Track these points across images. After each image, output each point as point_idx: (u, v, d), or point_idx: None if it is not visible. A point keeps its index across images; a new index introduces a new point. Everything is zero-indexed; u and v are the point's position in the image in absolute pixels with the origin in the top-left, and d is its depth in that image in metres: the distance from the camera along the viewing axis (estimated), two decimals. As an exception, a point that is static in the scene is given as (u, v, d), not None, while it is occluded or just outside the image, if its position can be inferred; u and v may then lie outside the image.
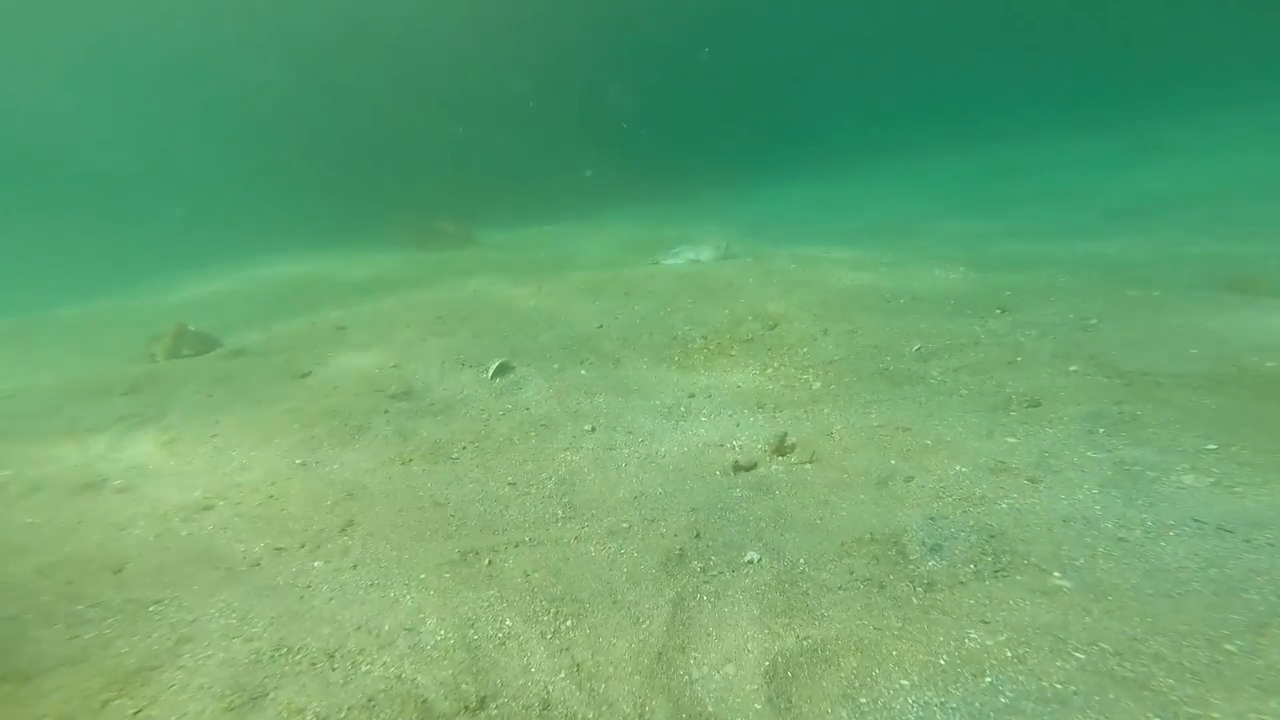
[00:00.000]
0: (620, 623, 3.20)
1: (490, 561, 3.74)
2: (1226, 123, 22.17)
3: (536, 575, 3.59)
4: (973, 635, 2.86)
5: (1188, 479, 3.81)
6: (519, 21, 34.89)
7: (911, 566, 3.39)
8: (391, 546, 3.93)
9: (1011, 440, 4.48)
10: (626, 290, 9.50)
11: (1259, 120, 21.33)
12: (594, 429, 5.40)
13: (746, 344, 7.02)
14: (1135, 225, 12.11)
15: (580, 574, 3.59)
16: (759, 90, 46.93)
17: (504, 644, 3.09)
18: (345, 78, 33.96)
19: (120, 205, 31.22)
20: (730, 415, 5.48)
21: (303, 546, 3.99)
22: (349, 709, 2.73)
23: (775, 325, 7.45)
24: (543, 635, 3.13)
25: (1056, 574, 3.18)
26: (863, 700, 2.65)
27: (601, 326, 7.90)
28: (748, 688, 2.76)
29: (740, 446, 4.94)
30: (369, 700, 2.77)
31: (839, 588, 3.30)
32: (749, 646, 2.97)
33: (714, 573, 3.53)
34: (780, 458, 4.73)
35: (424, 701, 2.77)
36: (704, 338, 7.30)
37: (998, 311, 7.08)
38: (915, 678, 2.71)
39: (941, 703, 2.58)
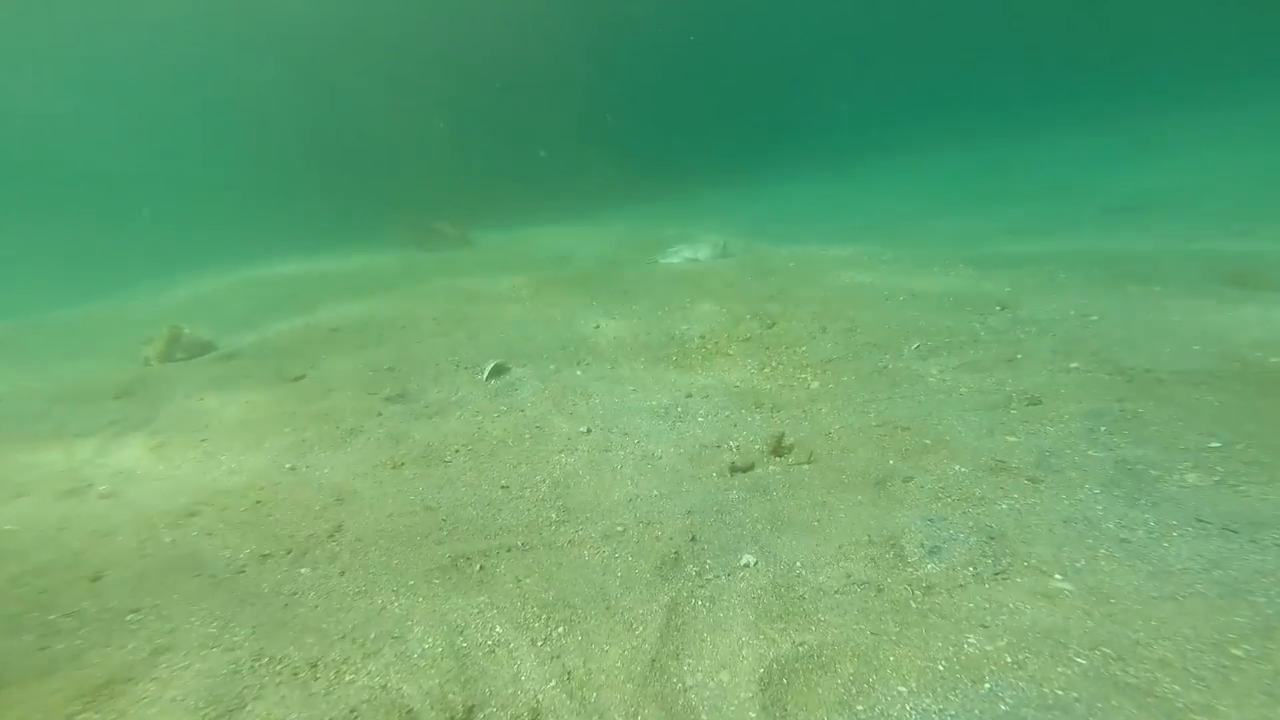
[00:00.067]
0: (613, 629, 3.13)
1: (481, 567, 3.68)
2: (1226, 119, 22.11)
3: (528, 580, 3.53)
4: (972, 640, 2.79)
5: (1191, 478, 3.74)
6: (516, 21, 34.81)
7: (910, 569, 3.32)
8: (381, 552, 3.86)
9: (1011, 439, 4.41)
10: (624, 290, 9.46)
11: (1258, 117, 21.26)
12: (589, 430, 5.33)
13: (744, 343, 6.96)
14: (1135, 221, 12.03)
15: (573, 579, 3.53)
16: (758, 89, 46.85)
17: (493, 652, 3.03)
18: (343, 78, 33.91)
19: (120, 206, 31.11)
20: (727, 415, 5.41)
21: (289, 553, 3.92)
22: (331, 721, 2.67)
23: (773, 324, 7.39)
24: (533, 642, 3.06)
25: (1057, 576, 3.11)
26: (859, 708, 2.58)
27: (599, 327, 7.84)
28: (742, 695, 2.70)
29: (737, 447, 4.88)
30: (351, 711, 2.71)
31: (836, 591, 3.23)
32: (744, 653, 2.90)
33: (709, 577, 3.46)
34: (778, 458, 4.66)
35: (409, 712, 2.71)
36: (701, 337, 7.24)
37: (997, 308, 7.01)
38: (913, 684, 2.64)
39: (940, 710, 2.51)
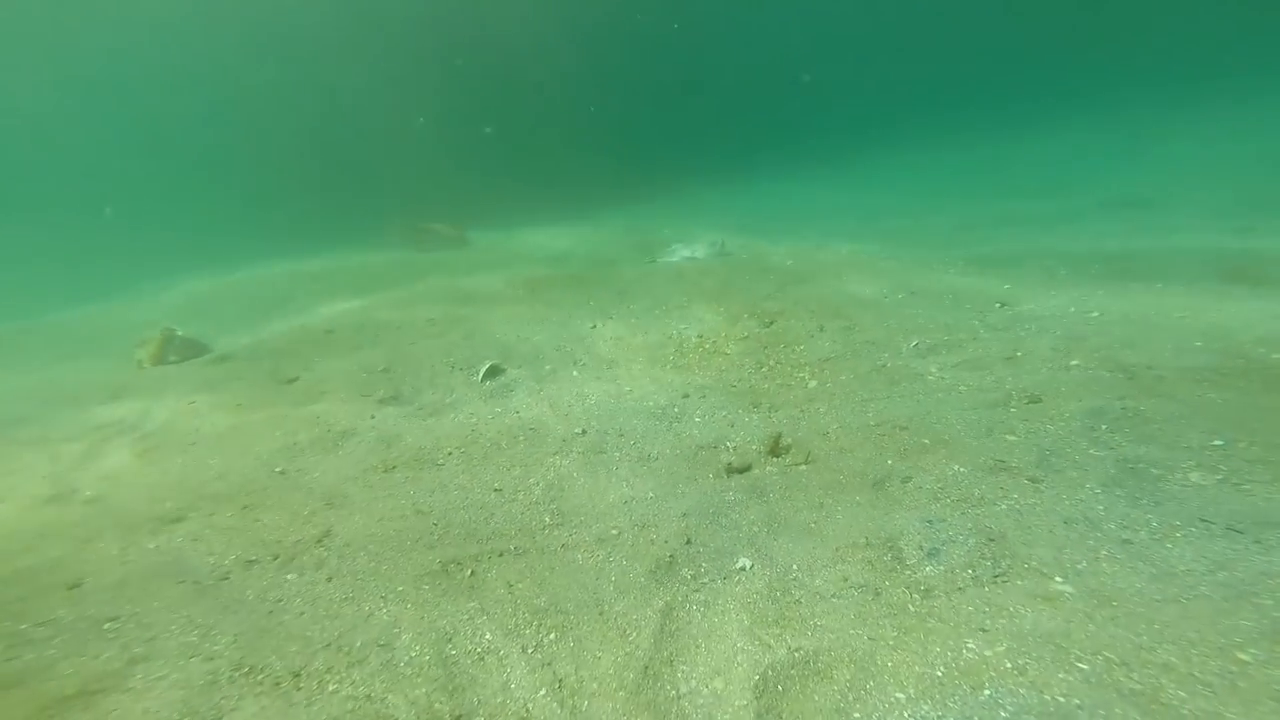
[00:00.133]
0: (606, 635, 3.07)
1: (472, 572, 3.61)
2: (1226, 115, 22.04)
3: (520, 586, 3.47)
4: (971, 645, 2.73)
5: (1194, 476, 3.67)
6: (514, 20, 34.75)
7: (908, 572, 3.26)
8: (369, 557, 3.80)
9: (1011, 438, 4.35)
10: (621, 289, 9.41)
11: (1258, 114, 21.17)
12: (585, 432, 5.27)
13: (742, 342, 6.90)
14: (1136, 217, 11.97)
15: (566, 584, 3.47)
16: (757, 88, 46.78)
17: (483, 659, 2.96)
18: (338, 77, 33.86)
19: (119, 208, 31.06)
20: (725, 415, 5.35)
21: (276, 558, 3.86)
22: (312, 732, 2.61)
23: (771, 322, 7.33)
24: (524, 649, 3.00)
25: (1058, 578, 3.04)
26: (856, 715, 2.52)
27: (595, 327, 7.79)
28: (736, 703, 2.63)
29: (734, 448, 4.81)
30: (335, 722, 2.65)
31: (833, 595, 3.17)
32: (739, 659, 2.84)
33: (704, 580, 3.40)
34: (775, 459, 4.59)
35: (395, 722, 2.65)
36: (699, 336, 7.19)
37: (997, 305, 6.95)
38: (911, 690, 2.58)
39: (939, 717, 2.45)
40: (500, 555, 3.75)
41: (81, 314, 13.45)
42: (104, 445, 5.71)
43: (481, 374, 6.43)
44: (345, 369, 7.01)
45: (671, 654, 2.92)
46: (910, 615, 2.96)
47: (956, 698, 2.51)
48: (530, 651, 2.99)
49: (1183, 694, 2.38)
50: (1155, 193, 13.75)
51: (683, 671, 2.82)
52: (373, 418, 5.73)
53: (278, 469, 4.99)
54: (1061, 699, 2.43)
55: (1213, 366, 4.94)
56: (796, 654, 2.82)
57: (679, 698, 2.70)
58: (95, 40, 39.10)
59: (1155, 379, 4.87)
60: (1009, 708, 2.43)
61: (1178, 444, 3.99)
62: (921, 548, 3.40)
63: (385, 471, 4.85)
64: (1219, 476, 3.63)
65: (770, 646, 2.88)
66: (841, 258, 10.04)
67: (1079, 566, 3.10)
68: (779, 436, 4.74)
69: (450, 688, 2.80)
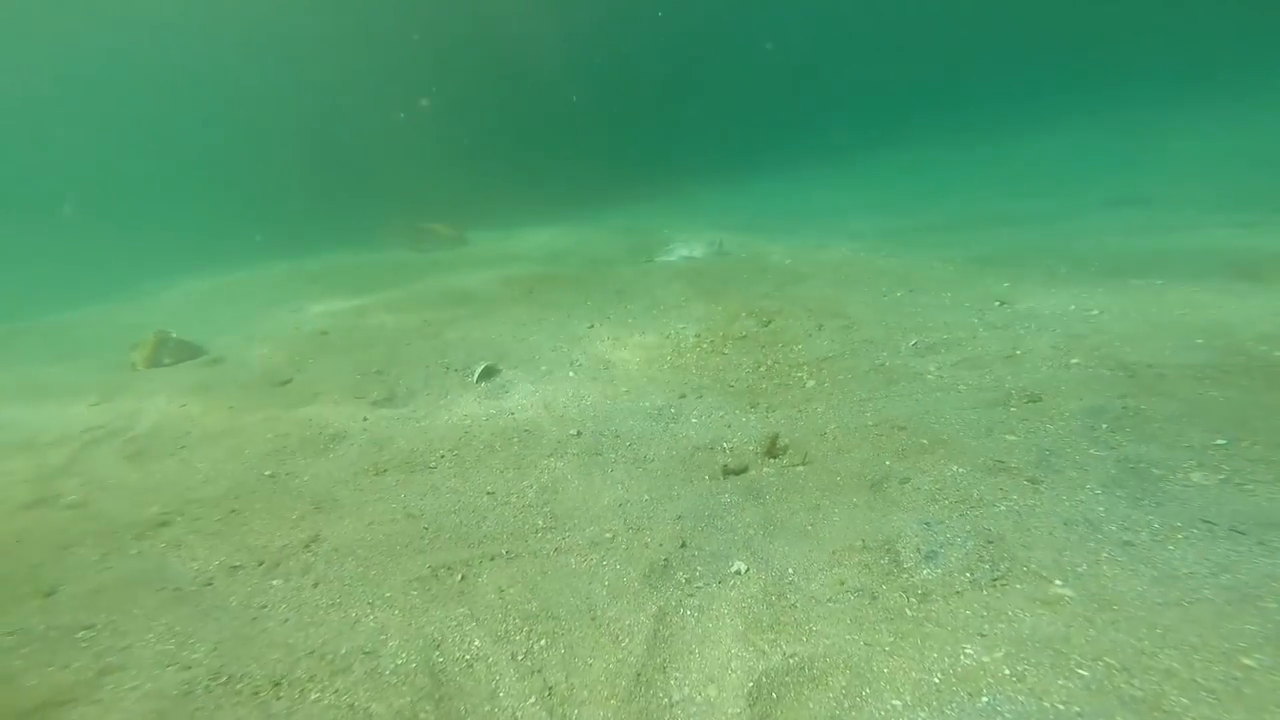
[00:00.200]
0: (598, 641, 3.01)
1: (463, 577, 3.55)
2: (1226, 113, 21.95)
3: (511, 591, 3.41)
4: (969, 650, 2.67)
5: (1196, 476, 3.61)
6: (511, 20, 34.72)
7: (905, 575, 3.20)
8: (358, 562, 3.74)
9: (1011, 438, 4.29)
10: (619, 289, 9.36)
11: (1259, 111, 21.10)
12: (580, 433, 5.21)
13: (740, 341, 6.85)
14: (1136, 215, 11.89)
15: (558, 588, 3.41)
16: (757, 87, 46.71)
17: (471, 667, 2.91)
18: (340, 79, 33.84)
19: (119, 209, 31.02)
20: (722, 416, 5.29)
21: (261, 564, 3.80)
22: (290, 744, 2.55)
23: (769, 321, 7.28)
24: (513, 656, 2.94)
25: (1058, 582, 2.98)
26: (852, 724, 2.46)
27: (592, 327, 7.74)
28: (730, 711, 2.58)
29: (731, 449, 4.76)
30: (316, 733, 2.59)
31: (828, 600, 3.11)
32: (732, 665, 2.79)
33: (699, 584, 3.35)
34: (772, 460, 4.54)
35: (379, 732, 2.59)
36: (696, 336, 7.13)
37: (996, 303, 6.90)
38: (908, 697, 2.52)
39: (936, 726, 2.39)
40: (492, 559, 3.69)
41: (80, 315, 13.36)
42: (91, 449, 5.64)
43: (476, 375, 6.37)
44: (339, 370, 6.95)
45: (665, 660, 2.86)
46: (907, 620, 2.90)
47: (954, 705, 2.45)
48: (520, 658, 2.93)
49: (1185, 701, 2.32)
50: (1155, 190, 13.67)
51: (676, 678, 2.77)
52: (365, 420, 5.67)
53: (267, 472, 4.94)
54: (1061, 706, 2.37)
55: (1215, 364, 4.88)
56: (791, 660, 2.76)
57: (671, 705, 2.64)
58: (96, 41, 39.12)
59: (1156, 377, 4.81)
60: (1007, 716, 2.38)
61: (1179, 443, 3.93)
62: (919, 550, 3.35)
63: (376, 474, 4.79)
64: (1221, 476, 3.57)
65: (765, 653, 2.83)
66: (840, 256, 9.98)
67: (1079, 569, 3.04)
68: (776, 437, 4.68)
69: (436, 696, 2.74)
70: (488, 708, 2.68)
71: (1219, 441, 3.88)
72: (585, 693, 2.73)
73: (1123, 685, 2.42)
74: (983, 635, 2.74)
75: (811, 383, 5.73)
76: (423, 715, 2.65)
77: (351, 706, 2.71)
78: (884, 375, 5.62)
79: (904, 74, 47.67)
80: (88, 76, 40.90)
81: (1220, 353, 5.07)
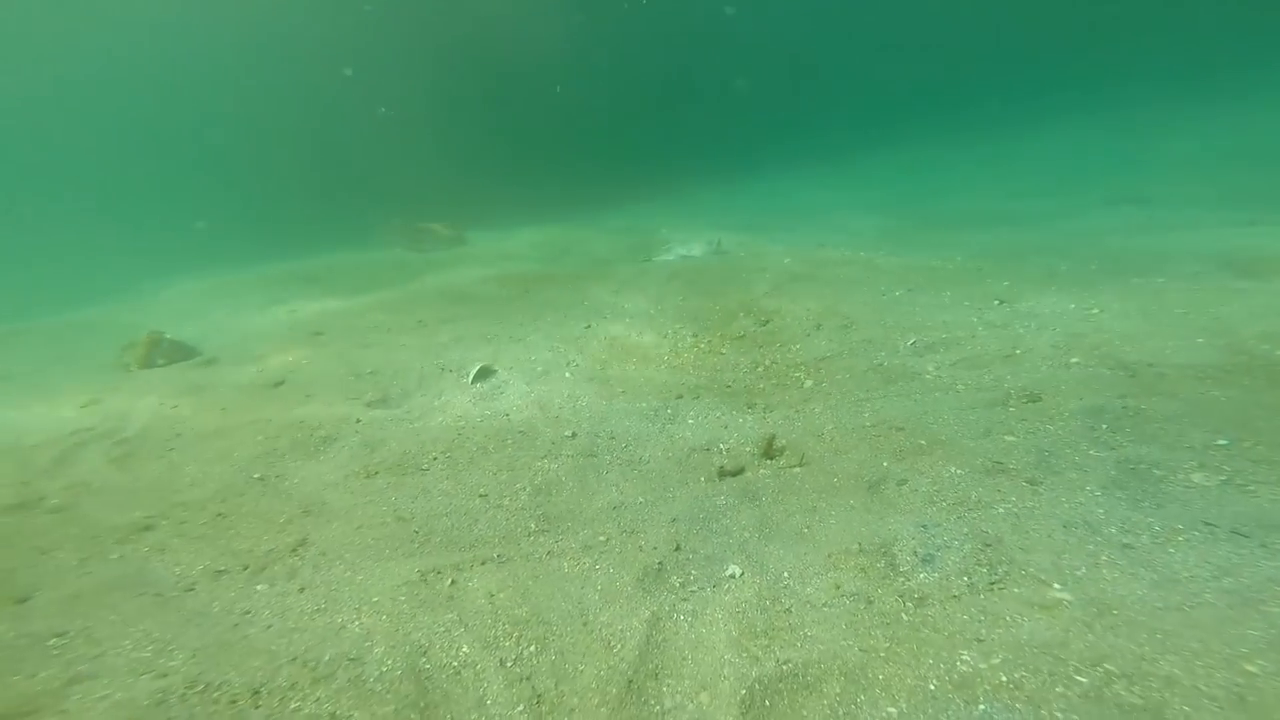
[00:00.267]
0: (589, 647, 2.96)
1: (453, 581, 3.50)
2: (1227, 112, 21.90)
3: (502, 596, 3.35)
4: (965, 657, 2.62)
5: (1197, 477, 3.56)
6: (510, 20, 34.68)
7: (902, 579, 3.14)
8: (346, 567, 3.69)
9: (1010, 439, 4.23)
10: (617, 289, 9.31)
11: (1259, 110, 21.05)
12: (575, 435, 5.16)
13: (738, 341, 6.80)
14: (1136, 213, 11.85)
15: (550, 593, 3.35)
16: (756, 86, 46.66)
17: (458, 674, 2.85)
18: (339, 79, 33.79)
19: (117, 209, 30.98)
20: (719, 416, 5.24)
21: (246, 568, 3.75)
22: (268, 754, 2.49)
23: (767, 321, 7.23)
24: (502, 663, 2.89)
25: (1056, 585, 2.93)
26: (845, 733, 2.41)
27: (589, 327, 7.68)
28: (722, 719, 2.52)
29: (727, 450, 4.71)
30: (295, 743, 2.54)
31: (824, 604, 3.06)
32: (725, 672, 2.73)
33: (693, 589, 3.30)
34: (768, 461, 4.49)
35: (362, 742, 2.53)
36: (694, 335, 7.09)
37: (996, 302, 6.84)
38: (903, 705, 2.47)
39: (932, 735, 2.34)
40: (483, 564, 3.64)
41: (78, 316, 13.28)
42: (78, 451, 5.58)
43: (471, 376, 6.32)
44: (333, 371, 6.89)
45: (657, 667, 2.81)
46: (903, 625, 2.85)
47: (950, 713, 2.40)
48: (509, 665, 2.87)
49: (1187, 709, 2.27)
50: (1156, 189, 13.61)
51: (668, 685, 2.72)
52: (358, 421, 5.61)
53: (256, 475, 4.88)
54: (1059, 714, 2.32)
55: (1216, 363, 4.83)
56: (785, 667, 2.71)
57: (663, 713, 2.59)
58: (95, 41, 39.13)
59: (1157, 376, 4.75)
60: (1005, 724, 2.32)
61: (1180, 444, 3.88)
62: (916, 554, 3.29)
63: (367, 477, 4.73)
64: (1223, 477, 3.52)
65: (758, 659, 2.77)
66: (839, 256, 9.92)
67: (1078, 573, 2.98)
68: (773, 438, 4.64)
69: (421, 704, 2.69)
70: (474, 716, 2.63)
71: (1220, 442, 3.83)
72: (575, 700, 2.67)
73: (1122, 693, 2.36)
74: (980, 641, 2.68)
75: (809, 383, 5.68)
76: (407, 724, 2.60)
77: (333, 715, 2.65)
78: (882, 375, 5.57)
79: (904, 73, 47.62)
80: (88, 76, 40.90)
81: (1222, 352, 5.01)
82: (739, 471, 4.40)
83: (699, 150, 33.52)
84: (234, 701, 2.73)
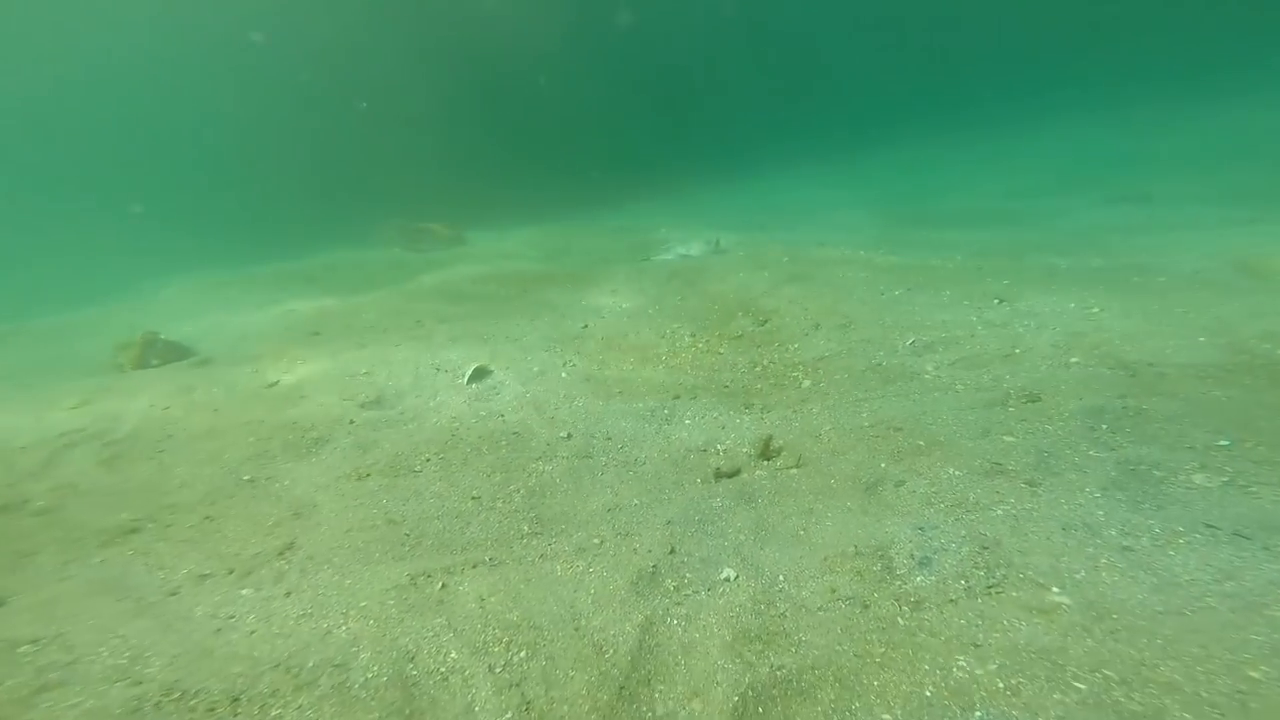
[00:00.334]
0: (581, 652, 2.91)
1: (443, 585, 3.45)
2: (1227, 111, 21.86)
3: (493, 600, 3.30)
4: (962, 662, 2.57)
5: (1198, 479, 3.51)
6: (510, 20, 34.67)
7: (898, 582, 3.09)
8: (334, 571, 3.64)
9: (1009, 439, 4.18)
10: (615, 288, 9.26)
11: (1259, 109, 21.00)
12: (570, 436, 5.11)
13: (736, 340, 6.76)
14: (1137, 212, 11.82)
15: (542, 597, 3.30)
16: (755, 86, 46.63)
17: (446, 680, 2.80)
18: (338, 79, 33.80)
19: (116, 209, 30.96)
20: (716, 417, 5.19)
21: (231, 572, 3.70)
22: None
23: (766, 321, 7.19)
24: (491, 669, 2.83)
25: (1055, 589, 2.88)
26: (840, 740, 2.36)
27: (587, 326, 7.64)
28: (714, 726, 2.48)
29: (724, 451, 4.66)
30: (273, 754, 2.48)
31: (819, 608, 3.01)
32: (718, 678, 2.68)
33: (687, 592, 3.25)
34: (765, 462, 4.44)
35: (344, 751, 2.48)
36: (692, 335, 7.04)
37: (995, 301, 6.79)
38: (899, 712, 2.42)
39: (927, 742, 2.29)
40: (474, 567, 3.59)
41: (77, 316, 13.24)
42: (67, 452, 5.52)
43: (467, 376, 6.27)
44: (328, 372, 6.84)
45: (649, 672, 2.76)
46: (899, 629, 2.80)
47: (946, 720, 2.35)
48: (498, 671, 2.82)
49: (1188, 716, 2.22)
50: (1156, 187, 13.58)
51: (660, 692, 2.67)
52: (351, 423, 5.56)
53: (246, 477, 4.83)
54: (1058, 722, 2.27)
55: (1217, 363, 4.78)
56: (779, 673, 2.66)
57: (654, 720, 2.54)
58: (98, 42, 39.15)
59: (1157, 376, 4.70)
60: (1002, 732, 2.28)
61: (1181, 444, 3.83)
62: (913, 556, 3.25)
63: (359, 479, 4.68)
64: (1224, 478, 3.47)
65: (752, 664, 2.72)
66: (838, 255, 9.87)
67: (1077, 576, 2.93)
68: (770, 439, 4.60)
69: (406, 712, 2.64)
70: (462, 723, 2.58)
71: (1222, 442, 3.78)
72: (565, 707, 2.63)
73: (1122, 699, 2.31)
74: (977, 646, 2.63)
75: (807, 383, 5.64)
76: (392, 732, 2.55)
77: (315, 724, 2.60)
78: (881, 375, 5.53)
79: (904, 73, 47.58)
80: (87, 77, 40.91)
81: (1223, 351, 4.97)
82: (735, 473, 4.36)
83: (699, 150, 33.52)
84: (212, 709, 2.68)
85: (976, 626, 2.74)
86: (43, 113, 40.87)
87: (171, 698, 2.75)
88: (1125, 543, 3.10)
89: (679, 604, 3.17)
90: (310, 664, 2.91)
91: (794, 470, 4.28)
